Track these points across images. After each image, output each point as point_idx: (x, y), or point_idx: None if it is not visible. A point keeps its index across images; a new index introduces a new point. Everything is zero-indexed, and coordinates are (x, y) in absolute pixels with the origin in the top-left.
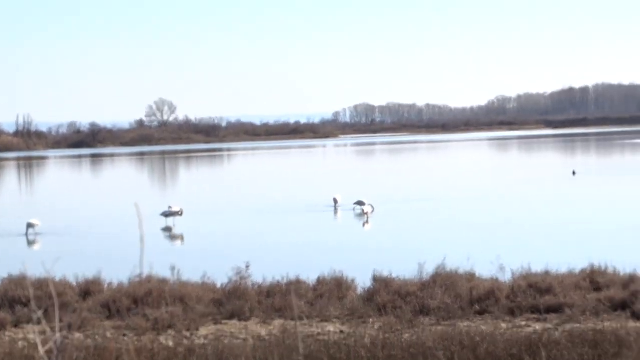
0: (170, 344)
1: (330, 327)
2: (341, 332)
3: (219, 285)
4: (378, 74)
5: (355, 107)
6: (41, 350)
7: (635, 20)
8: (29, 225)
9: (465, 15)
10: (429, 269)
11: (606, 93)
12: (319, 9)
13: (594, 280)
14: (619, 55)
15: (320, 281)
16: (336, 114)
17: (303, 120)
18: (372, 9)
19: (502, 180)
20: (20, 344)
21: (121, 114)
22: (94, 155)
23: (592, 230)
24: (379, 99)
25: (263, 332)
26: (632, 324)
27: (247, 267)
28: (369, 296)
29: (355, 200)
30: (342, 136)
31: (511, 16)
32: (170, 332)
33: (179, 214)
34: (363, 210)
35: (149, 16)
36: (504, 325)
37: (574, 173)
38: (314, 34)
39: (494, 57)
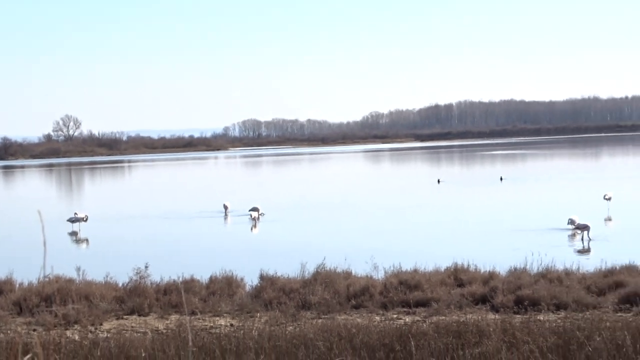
0: (77, 337)
1: (222, 321)
2: (231, 325)
3: (120, 284)
4: (264, 92)
5: (244, 122)
6: None
7: (490, 45)
8: None
9: (341, 37)
10: (310, 268)
11: (468, 109)
12: (210, 31)
13: (457, 277)
14: (479, 76)
15: (213, 280)
16: (226, 128)
17: (196, 134)
18: (256, 31)
19: (375, 188)
20: None
21: (31, 128)
22: (5, 167)
23: (456, 232)
24: (265, 115)
25: (160, 326)
26: (491, 316)
27: (146, 267)
28: (256, 293)
29: (250, 207)
30: (232, 149)
31: (382, 38)
32: (77, 326)
33: (83, 219)
34: (251, 216)
35: (58, 36)
36: (377, 318)
37: (438, 181)
38: (206, 54)
39: (369, 76)
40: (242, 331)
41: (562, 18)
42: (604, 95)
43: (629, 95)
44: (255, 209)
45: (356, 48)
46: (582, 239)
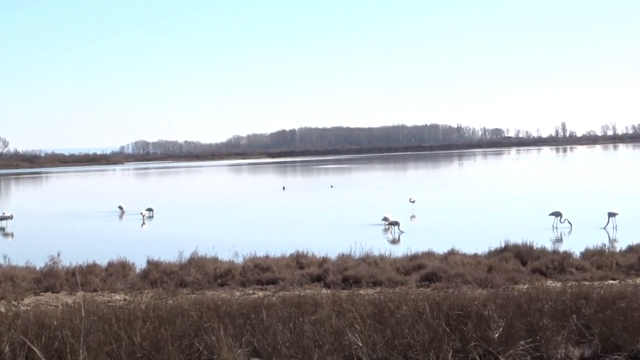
0: (2, 310)
1: (117, 297)
2: (124, 299)
3: (38, 268)
4: (152, 116)
5: (136, 142)
6: None
7: (323, 82)
8: None
9: (211, 72)
10: (186, 255)
11: (307, 133)
12: (104, 64)
13: (299, 261)
14: (315, 107)
15: (110, 264)
16: (122, 147)
17: (99, 152)
18: (138, 68)
19: (236, 193)
20: None
21: None
22: None
23: (298, 227)
24: (152, 136)
25: (69, 300)
26: (324, 291)
27: (58, 255)
28: (144, 274)
29: (146, 207)
30: (127, 163)
31: (242, 75)
32: (3, 302)
33: (10, 218)
34: (142, 214)
35: None
36: (237, 293)
37: (283, 188)
38: (105, 85)
39: (231, 106)
40: (132, 304)
41: (371, 63)
42: (409, 123)
43: (427, 124)
44: (150, 209)
45: (222, 82)
46: (393, 232)
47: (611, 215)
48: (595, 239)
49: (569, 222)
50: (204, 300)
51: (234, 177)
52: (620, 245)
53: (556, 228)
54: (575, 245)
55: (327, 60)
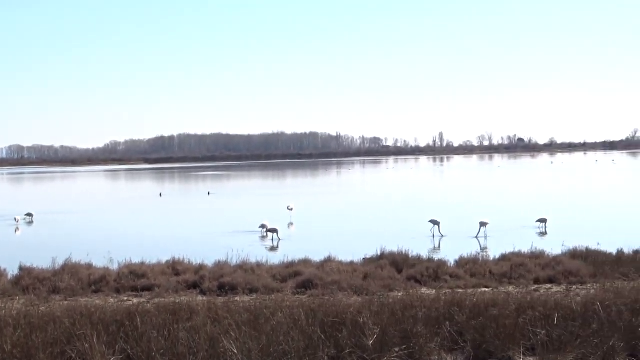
0: None
1: None
2: None
3: None
4: (28, 120)
5: (9, 146)
6: None
7: (201, 89)
8: None
9: (77, 71)
10: (60, 261)
11: (186, 140)
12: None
13: (175, 268)
14: (194, 113)
15: None
16: None
17: None
18: (12, 69)
19: (113, 198)
20: None
21: None
22: None
23: (176, 233)
24: (27, 140)
25: None
26: (200, 298)
27: None
28: (16, 281)
29: (26, 213)
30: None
31: (113, 75)
32: None
33: None
34: (16, 219)
35: None
36: (112, 300)
37: (160, 195)
38: None
39: (109, 111)
40: (3, 311)
41: (250, 69)
42: (288, 130)
43: (307, 132)
44: (30, 214)
45: (100, 87)
46: (272, 239)
47: (482, 224)
48: (468, 248)
49: (440, 232)
50: (77, 307)
51: (110, 183)
52: (494, 254)
53: (434, 236)
54: (450, 253)
55: (205, 65)
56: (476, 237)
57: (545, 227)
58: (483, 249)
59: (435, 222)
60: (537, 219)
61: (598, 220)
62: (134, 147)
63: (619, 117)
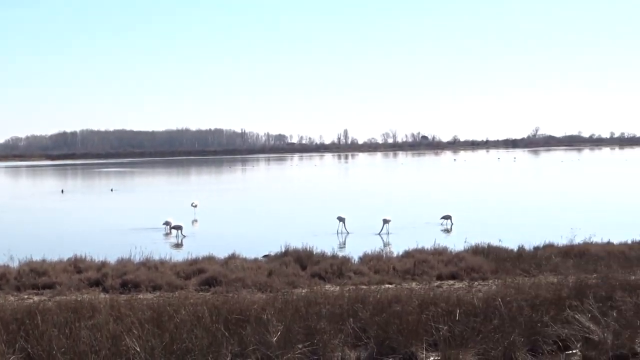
0: None
1: None
2: None
3: None
4: None
5: None
6: None
7: (104, 79)
8: None
9: None
10: None
11: (89, 136)
12: None
13: (77, 265)
14: (98, 109)
15: None
16: None
17: None
18: None
19: (12, 194)
20: None
21: None
22: None
23: (78, 230)
24: None
25: None
26: (102, 296)
27: None
28: None
29: None
30: None
31: (13, 69)
32: None
33: None
34: None
35: None
36: (12, 298)
37: (62, 191)
38: None
39: (8, 103)
40: None
41: (154, 64)
42: (193, 127)
43: (212, 128)
44: None
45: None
46: (177, 236)
47: (385, 221)
48: (372, 245)
49: (345, 228)
50: None
51: (10, 180)
52: (397, 251)
53: (339, 233)
54: (354, 250)
55: (108, 60)
56: (379, 234)
57: (451, 224)
58: (386, 245)
59: (341, 219)
60: (441, 216)
61: (500, 217)
62: (35, 143)
63: (521, 116)
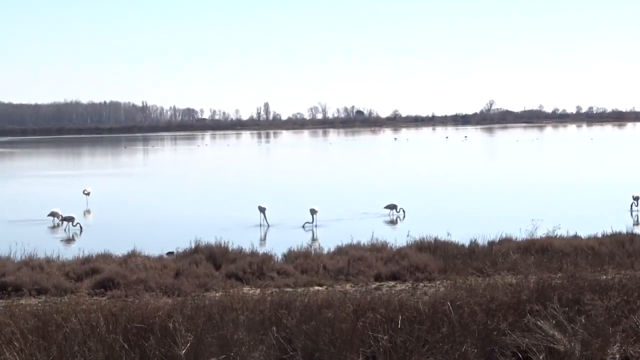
0: None
1: None
2: None
3: None
4: None
5: None
6: None
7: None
8: None
9: None
10: None
11: None
12: None
13: None
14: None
15: None
16: None
17: None
18: None
19: None
20: None
21: None
22: None
23: None
24: None
25: None
26: None
27: None
28: None
29: None
30: None
31: None
32: None
33: None
34: None
35: None
36: None
37: None
38: None
39: None
40: None
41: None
42: (84, 99)
43: (107, 101)
44: None
45: None
46: (67, 230)
47: (313, 212)
48: (299, 239)
49: (266, 220)
50: None
51: None
52: (328, 246)
53: (261, 225)
54: (277, 245)
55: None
56: (306, 226)
57: (398, 215)
58: (315, 240)
59: (261, 209)
60: (385, 205)
61: (448, 207)
62: None
63: (473, 88)
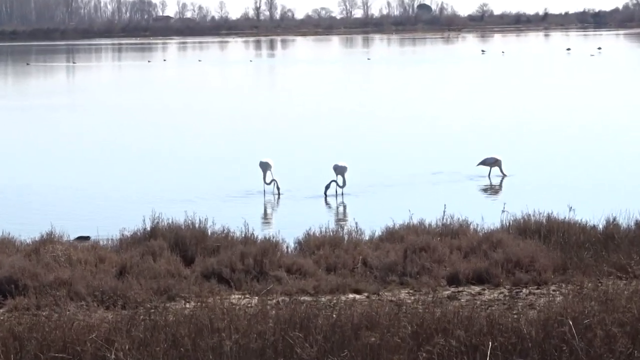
0: None
1: None
2: None
3: None
4: None
5: None
6: None
7: None
8: None
9: None
10: None
11: None
12: None
13: None
14: None
15: None
16: None
17: None
18: None
19: None
20: None
21: None
22: None
23: None
24: None
25: None
26: None
27: None
28: None
29: None
30: None
31: None
32: None
33: None
34: None
35: None
36: None
37: None
38: None
39: None
40: None
41: None
42: None
43: None
44: None
45: None
46: None
47: (339, 170)
48: (321, 215)
49: (274, 184)
50: None
51: None
52: (372, 227)
53: (265, 193)
54: (287, 227)
55: None
56: (326, 192)
57: (500, 176)
58: (345, 217)
59: (264, 167)
60: (479, 161)
61: (571, 171)
62: None
63: None
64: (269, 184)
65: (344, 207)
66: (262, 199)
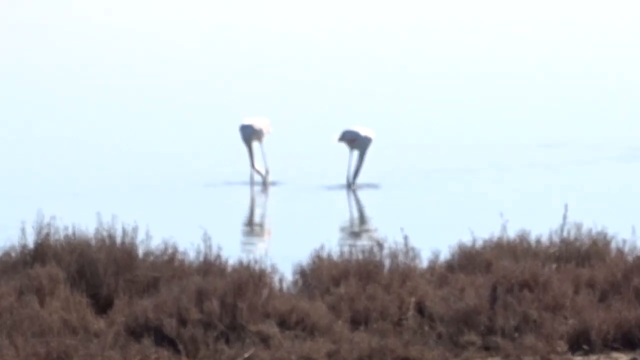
0: None
1: None
2: None
3: None
4: None
5: None
6: None
7: None
8: None
9: None
10: None
11: None
12: None
13: None
14: None
15: None
16: None
17: None
18: None
19: None
20: None
21: None
22: None
23: None
24: None
25: None
26: None
27: None
28: None
29: None
30: None
31: None
32: None
33: None
34: None
35: None
36: None
37: None
38: None
39: None
40: None
41: None
42: None
43: None
44: None
45: None
46: None
47: (362, 142)
48: (338, 218)
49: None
50: None
51: None
52: (431, 246)
53: (252, 184)
54: (281, 244)
55: None
56: (353, 181)
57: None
58: (371, 228)
59: (248, 134)
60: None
61: None
62: None
63: None
64: (259, 171)
65: (377, 206)
66: (238, 193)
